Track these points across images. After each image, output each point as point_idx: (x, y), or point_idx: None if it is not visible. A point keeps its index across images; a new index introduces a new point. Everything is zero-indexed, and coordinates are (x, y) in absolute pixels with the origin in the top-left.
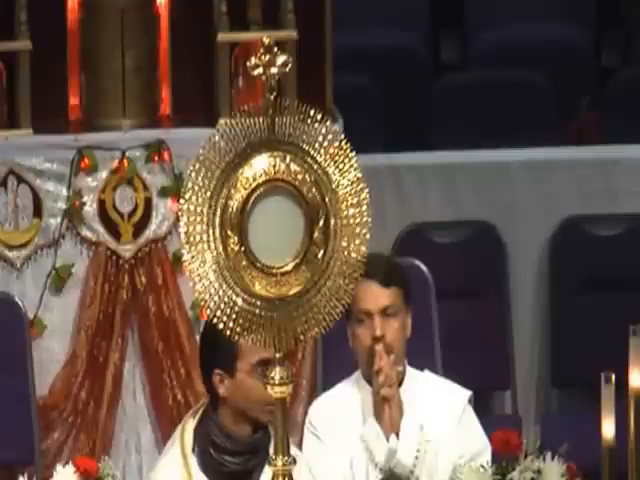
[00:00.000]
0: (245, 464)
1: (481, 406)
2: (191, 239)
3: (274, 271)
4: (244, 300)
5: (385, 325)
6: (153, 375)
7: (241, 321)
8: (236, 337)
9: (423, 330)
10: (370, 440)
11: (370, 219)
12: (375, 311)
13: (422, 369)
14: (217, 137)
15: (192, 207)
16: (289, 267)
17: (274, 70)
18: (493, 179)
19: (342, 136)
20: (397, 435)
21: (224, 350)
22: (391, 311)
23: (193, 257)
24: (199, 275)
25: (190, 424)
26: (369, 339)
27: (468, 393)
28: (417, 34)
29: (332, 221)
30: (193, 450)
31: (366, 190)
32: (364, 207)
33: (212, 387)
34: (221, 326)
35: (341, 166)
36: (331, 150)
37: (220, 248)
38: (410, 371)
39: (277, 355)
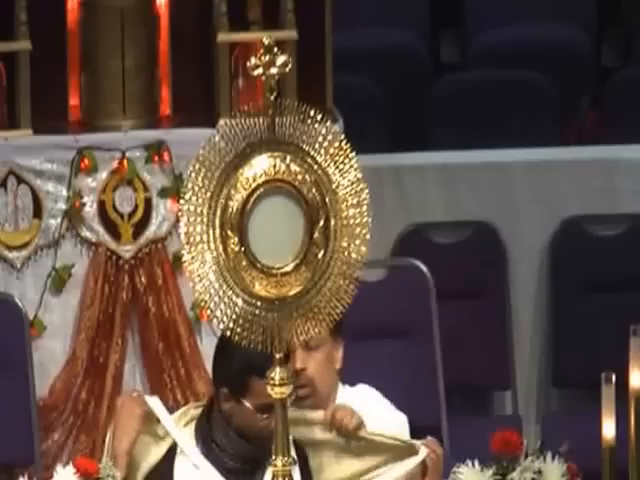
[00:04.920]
0: (243, 465)
1: (481, 406)
2: (191, 239)
3: (274, 272)
4: (244, 301)
5: (306, 358)
6: (153, 375)
7: (241, 321)
8: (238, 339)
9: (423, 330)
10: None
11: (370, 219)
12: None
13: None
14: (217, 137)
15: (192, 207)
16: (289, 267)
17: (274, 70)
18: (493, 179)
19: (342, 136)
20: None
21: (236, 379)
22: (313, 344)
23: (193, 257)
24: (199, 275)
25: (192, 412)
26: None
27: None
28: (417, 34)
29: (332, 221)
30: (197, 442)
31: (366, 190)
32: (364, 207)
33: (217, 393)
34: (221, 326)
35: (341, 166)
36: (331, 150)
37: (220, 248)
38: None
39: (277, 355)
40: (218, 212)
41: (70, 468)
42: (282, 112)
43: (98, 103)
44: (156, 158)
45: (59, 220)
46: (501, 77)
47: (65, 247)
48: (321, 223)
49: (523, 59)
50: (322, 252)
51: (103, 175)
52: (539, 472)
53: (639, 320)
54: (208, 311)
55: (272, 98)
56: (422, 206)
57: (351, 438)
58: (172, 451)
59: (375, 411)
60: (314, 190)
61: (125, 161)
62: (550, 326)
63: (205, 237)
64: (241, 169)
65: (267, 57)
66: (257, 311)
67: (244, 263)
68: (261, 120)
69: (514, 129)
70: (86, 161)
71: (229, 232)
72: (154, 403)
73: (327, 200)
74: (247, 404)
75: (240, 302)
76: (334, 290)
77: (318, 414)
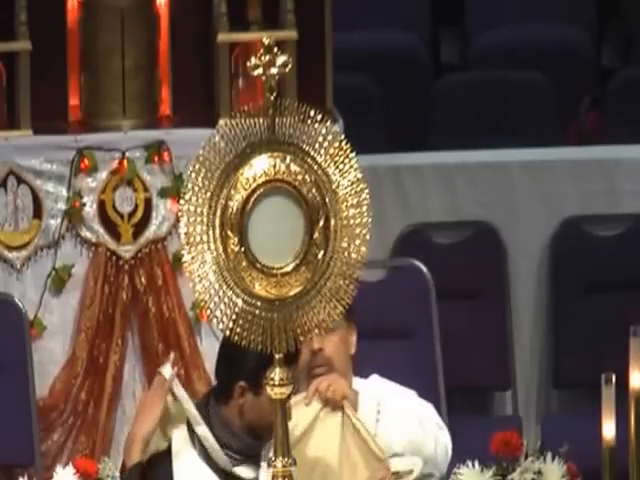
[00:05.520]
0: (244, 462)
1: (481, 406)
2: (191, 240)
3: (274, 272)
4: (244, 301)
5: (323, 339)
6: (153, 376)
7: (241, 322)
8: (238, 339)
9: (423, 331)
10: None
11: (370, 219)
12: None
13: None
14: (217, 137)
15: (192, 208)
16: (289, 268)
17: (274, 70)
18: (493, 179)
19: (342, 136)
20: None
21: (256, 370)
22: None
23: (193, 258)
24: (199, 276)
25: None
26: (308, 353)
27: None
28: (417, 34)
29: (332, 222)
30: (193, 443)
31: (366, 190)
32: (364, 208)
33: (228, 389)
34: (221, 326)
35: (341, 166)
36: (331, 150)
37: (220, 249)
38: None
39: (277, 356)
40: (218, 212)
41: (70, 468)
42: (282, 112)
43: (98, 103)
44: (156, 158)
45: (59, 220)
46: (501, 77)
47: (65, 247)
48: (321, 223)
49: (523, 59)
50: (322, 252)
51: (103, 175)
52: (539, 473)
53: (639, 320)
54: (208, 311)
55: (272, 98)
56: (422, 206)
57: (337, 409)
58: (169, 451)
59: (395, 398)
60: (314, 190)
61: (125, 161)
62: (550, 326)
63: (205, 237)
64: (241, 169)
65: (267, 57)
66: (257, 311)
67: (244, 263)
68: (261, 120)
69: (514, 129)
70: (86, 161)
71: (229, 232)
72: (181, 393)
73: (327, 200)
74: (267, 395)
75: (240, 302)
76: (334, 290)
77: (301, 394)
